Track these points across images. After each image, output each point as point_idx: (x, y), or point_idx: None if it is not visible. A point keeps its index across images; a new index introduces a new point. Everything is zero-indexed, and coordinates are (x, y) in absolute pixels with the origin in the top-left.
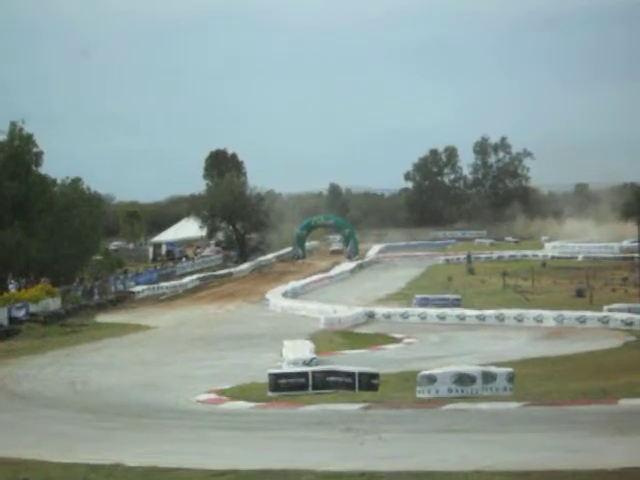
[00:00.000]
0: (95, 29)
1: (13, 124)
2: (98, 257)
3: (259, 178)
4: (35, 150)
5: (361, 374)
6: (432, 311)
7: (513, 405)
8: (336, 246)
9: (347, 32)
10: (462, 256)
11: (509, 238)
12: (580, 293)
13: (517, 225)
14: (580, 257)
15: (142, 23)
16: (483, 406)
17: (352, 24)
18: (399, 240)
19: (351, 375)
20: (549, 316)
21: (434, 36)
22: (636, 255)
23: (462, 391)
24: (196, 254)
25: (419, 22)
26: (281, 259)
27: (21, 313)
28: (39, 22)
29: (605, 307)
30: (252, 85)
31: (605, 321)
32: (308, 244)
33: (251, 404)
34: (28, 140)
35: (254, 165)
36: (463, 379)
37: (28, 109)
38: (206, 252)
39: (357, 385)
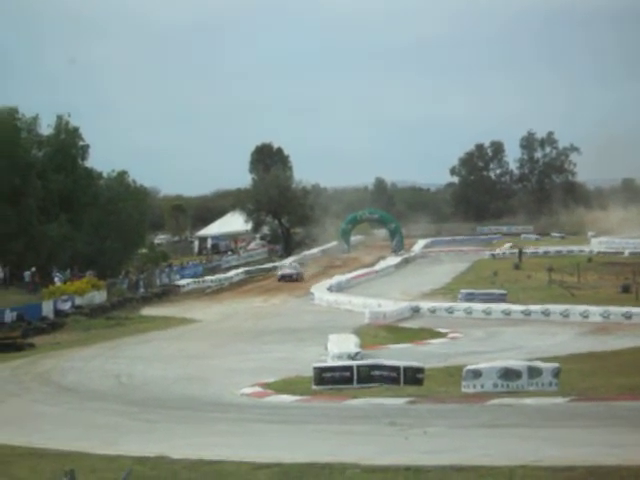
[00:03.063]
0: (142, 24)
1: (59, 117)
2: (143, 250)
3: (304, 172)
4: (81, 143)
5: (406, 368)
6: (478, 306)
7: (559, 400)
8: (287, 270)
9: (388, 20)
10: (508, 251)
11: (555, 233)
12: (626, 289)
13: (563, 220)
14: (627, 253)
15: (187, 21)
16: (528, 401)
17: (392, 12)
18: (445, 235)
19: (396, 369)
20: (595, 312)
21: (479, 29)
22: None
23: (507, 386)
24: (241, 248)
25: (461, 16)
26: (326, 253)
27: (67, 306)
28: (93, 16)
29: None
30: (296, 79)
31: None
32: (353, 238)
33: (296, 397)
34: (74, 134)
35: (300, 159)
36: (509, 374)
37: (75, 101)
38: (251, 246)
39: (402, 379)
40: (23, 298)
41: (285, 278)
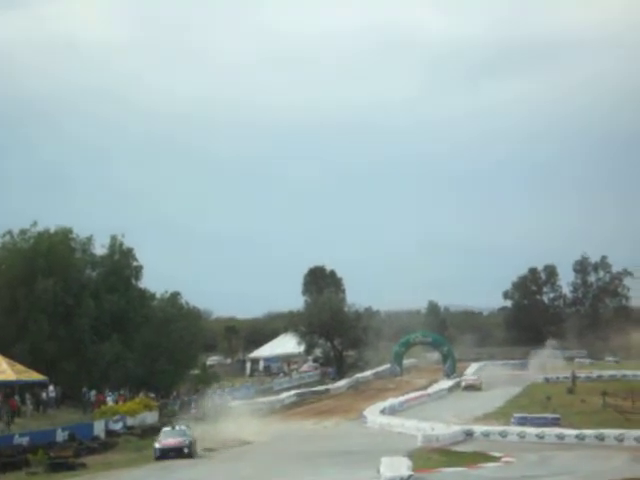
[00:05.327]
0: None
1: (113, 238)
2: (196, 371)
3: (357, 294)
4: (135, 264)
5: None
6: (531, 430)
7: None
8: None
9: (452, 151)
10: (562, 375)
11: (609, 358)
12: None
13: (617, 344)
14: None
15: (244, 153)
16: None
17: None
18: (497, 358)
19: None
20: None
21: (532, 152)
22: None
23: None
24: (293, 370)
25: (515, 141)
26: (379, 376)
27: (118, 426)
28: (141, 134)
29: None
30: (353, 200)
31: None
32: (406, 361)
33: None
34: (128, 254)
35: (353, 282)
36: None
37: (128, 222)
38: (304, 368)
39: None
40: (75, 417)
41: None
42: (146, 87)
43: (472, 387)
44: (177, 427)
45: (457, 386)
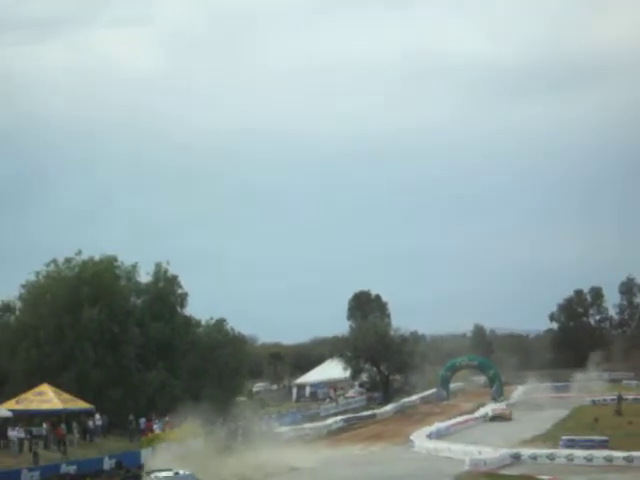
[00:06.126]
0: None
1: (158, 265)
2: (242, 398)
3: (403, 318)
4: (180, 291)
5: None
6: (579, 452)
7: None
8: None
9: (482, 164)
10: (609, 397)
11: None
12: None
13: None
14: None
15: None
16: None
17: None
18: (544, 381)
19: None
20: None
21: (578, 173)
22: None
23: None
24: (340, 395)
25: (560, 162)
26: (425, 400)
27: None
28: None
29: None
30: (398, 224)
31: None
32: (452, 385)
33: None
34: (173, 281)
35: (398, 306)
36: None
37: (175, 249)
38: (350, 393)
39: None
40: (122, 445)
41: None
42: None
43: (501, 417)
44: (180, 472)
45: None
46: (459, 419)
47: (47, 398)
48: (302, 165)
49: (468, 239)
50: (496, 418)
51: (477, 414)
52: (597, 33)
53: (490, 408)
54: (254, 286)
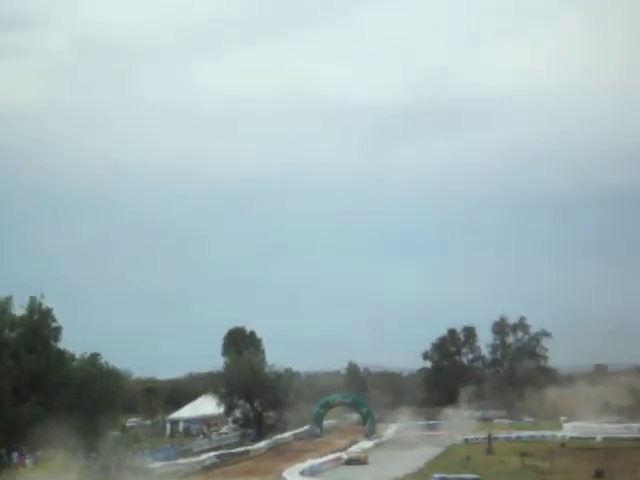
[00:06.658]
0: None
1: (32, 298)
2: (116, 432)
3: (277, 356)
4: (54, 325)
5: None
6: None
7: None
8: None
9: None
10: (481, 436)
11: (527, 418)
12: (600, 474)
13: (535, 405)
14: (599, 438)
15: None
16: None
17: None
18: (417, 419)
19: None
20: None
21: (447, 213)
22: None
23: None
24: (213, 431)
25: (431, 201)
26: (299, 437)
27: None
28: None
29: None
30: (272, 262)
31: None
32: (326, 422)
33: None
34: (47, 314)
35: (272, 343)
36: None
37: (47, 283)
38: (223, 429)
39: None
40: None
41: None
42: None
43: (356, 461)
44: None
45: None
46: (332, 456)
47: None
48: (186, 200)
49: (342, 276)
50: (352, 462)
51: (350, 451)
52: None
53: (345, 452)
54: (129, 320)
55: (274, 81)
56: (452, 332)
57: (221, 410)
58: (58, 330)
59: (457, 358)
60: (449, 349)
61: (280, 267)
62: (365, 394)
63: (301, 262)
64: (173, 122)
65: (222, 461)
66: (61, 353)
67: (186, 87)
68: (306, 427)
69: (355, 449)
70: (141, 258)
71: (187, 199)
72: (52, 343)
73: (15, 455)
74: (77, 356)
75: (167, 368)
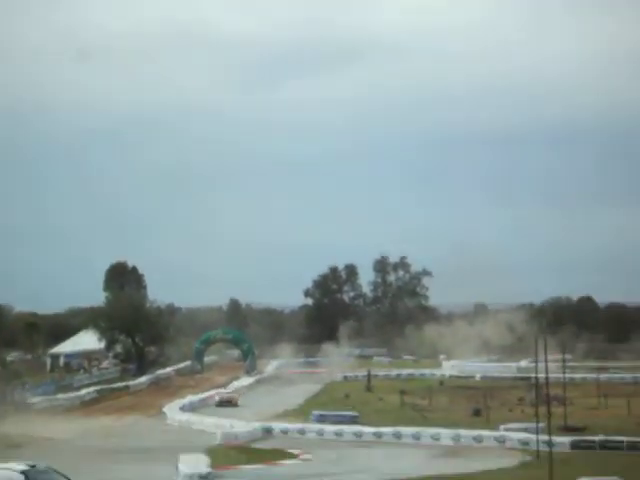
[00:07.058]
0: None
1: None
2: None
3: (159, 291)
4: None
5: None
6: (329, 428)
7: None
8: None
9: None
10: (360, 374)
11: (407, 356)
12: (477, 412)
13: (415, 344)
14: (478, 376)
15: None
16: None
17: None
18: (298, 356)
19: None
20: (446, 435)
21: (330, 149)
22: (533, 375)
23: None
24: (94, 366)
25: (319, 135)
26: (180, 373)
27: None
28: None
29: (501, 426)
30: (157, 197)
31: (501, 440)
32: (207, 358)
33: None
34: None
35: (154, 278)
36: None
37: None
38: (104, 364)
39: None
40: None
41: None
42: None
43: (228, 403)
44: None
45: (213, 400)
46: (212, 392)
47: None
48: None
49: (225, 213)
50: (223, 404)
51: (230, 388)
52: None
53: (217, 393)
54: (8, 255)
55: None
56: (334, 270)
57: (102, 345)
58: None
59: (338, 296)
60: (330, 286)
61: (164, 203)
62: (246, 330)
63: (183, 198)
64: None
65: (102, 396)
66: None
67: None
68: (187, 363)
69: (231, 387)
70: (22, 193)
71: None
72: None
73: None
74: None
75: (49, 303)
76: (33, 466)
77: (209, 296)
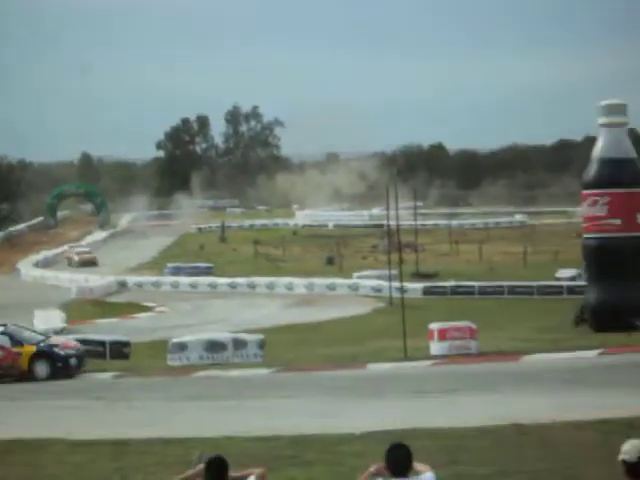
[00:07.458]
0: None
1: None
2: None
3: (9, 147)
4: None
5: (112, 343)
6: (184, 279)
7: (263, 372)
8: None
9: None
10: (214, 225)
11: (261, 207)
12: (330, 261)
13: (268, 194)
14: (331, 225)
15: None
16: (234, 373)
17: None
18: (152, 209)
19: (102, 344)
20: (300, 284)
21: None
22: (385, 223)
23: (213, 358)
24: None
25: None
26: (33, 229)
27: None
28: None
29: (355, 274)
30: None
31: (355, 288)
32: (60, 213)
33: None
34: None
35: (4, 134)
36: (214, 346)
37: None
38: None
39: (108, 354)
40: None
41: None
42: None
43: (88, 263)
44: None
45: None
46: (66, 247)
47: None
48: None
49: (73, 67)
50: (85, 264)
51: (84, 242)
52: None
53: (75, 252)
54: None
55: None
56: (186, 121)
57: None
58: None
59: (190, 147)
60: (183, 138)
61: (11, 60)
62: (99, 184)
63: (31, 54)
64: None
65: None
66: None
67: None
68: (40, 218)
69: (85, 242)
70: None
71: None
72: None
73: None
74: None
75: None
76: None
77: (60, 151)
